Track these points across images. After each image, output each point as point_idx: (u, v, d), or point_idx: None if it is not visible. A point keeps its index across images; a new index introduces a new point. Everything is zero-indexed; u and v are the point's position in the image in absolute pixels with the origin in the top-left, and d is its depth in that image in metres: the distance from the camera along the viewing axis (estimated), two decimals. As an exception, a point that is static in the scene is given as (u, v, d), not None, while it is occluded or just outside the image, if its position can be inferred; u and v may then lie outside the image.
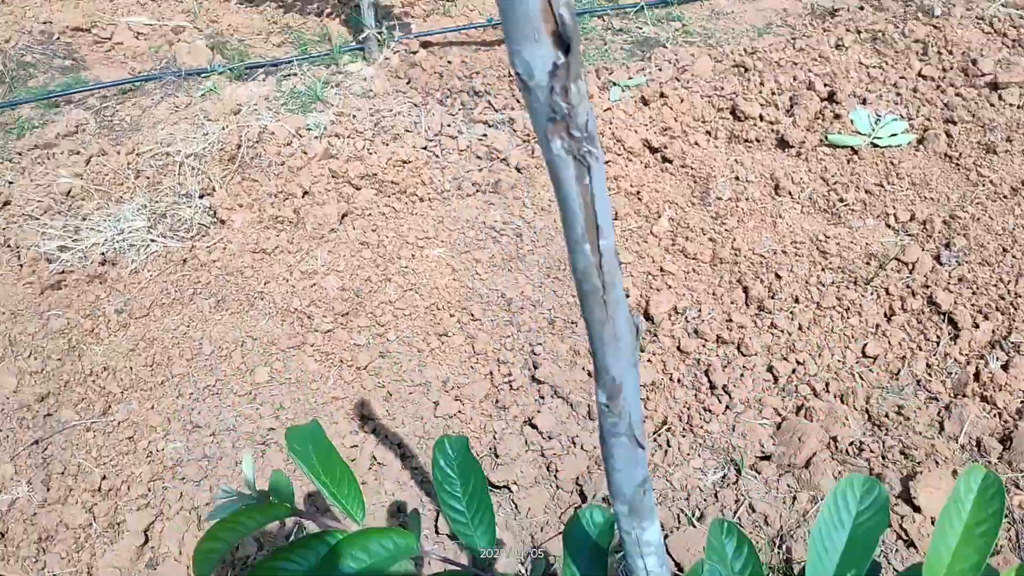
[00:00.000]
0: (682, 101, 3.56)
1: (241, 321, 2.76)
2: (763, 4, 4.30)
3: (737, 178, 3.13)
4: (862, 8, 4.09)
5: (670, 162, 3.27)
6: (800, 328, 2.54)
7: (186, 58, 4.12)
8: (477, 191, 3.23)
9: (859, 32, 3.87)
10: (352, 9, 4.45)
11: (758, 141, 3.33)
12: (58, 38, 4.31)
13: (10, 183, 3.35)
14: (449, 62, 3.92)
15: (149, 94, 3.93)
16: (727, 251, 2.83)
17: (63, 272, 2.96)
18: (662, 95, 3.61)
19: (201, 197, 3.27)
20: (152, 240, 3.05)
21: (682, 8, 4.30)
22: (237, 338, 2.70)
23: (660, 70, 3.80)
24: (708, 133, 3.41)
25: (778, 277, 2.69)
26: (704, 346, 2.52)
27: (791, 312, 2.58)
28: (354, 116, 3.66)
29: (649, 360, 2.47)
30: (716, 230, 2.93)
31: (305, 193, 3.23)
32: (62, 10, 4.49)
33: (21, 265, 2.98)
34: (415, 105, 3.73)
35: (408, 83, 3.85)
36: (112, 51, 4.27)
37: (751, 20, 4.20)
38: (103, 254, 3.01)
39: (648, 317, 2.65)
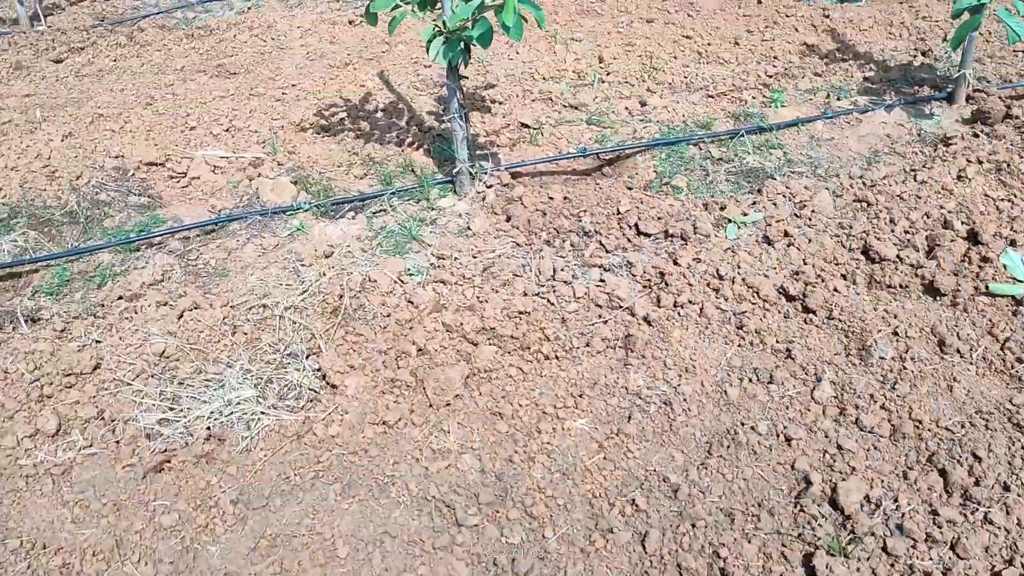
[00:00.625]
0: (810, 241, 3.28)
1: (373, 512, 2.42)
2: (864, 130, 4.05)
3: (895, 333, 2.82)
4: (976, 136, 3.84)
5: (813, 312, 2.96)
6: (1020, 524, 2.20)
7: (269, 195, 3.86)
8: (607, 347, 2.92)
9: (980, 162, 3.61)
10: (435, 139, 4.21)
11: (903, 287, 3.03)
12: (132, 174, 4.05)
13: (98, 342, 3.04)
14: (551, 198, 3.65)
15: (234, 235, 3.65)
16: (907, 423, 2.50)
17: (166, 451, 2.62)
18: (786, 234, 3.33)
19: (307, 357, 2.96)
20: (263, 412, 2.72)
21: (779, 135, 4.05)
22: (373, 535, 2.35)
23: (776, 205, 3.53)
24: (844, 277, 3.12)
25: (977, 458, 2.35)
26: (914, 548, 2.17)
27: (1004, 504, 2.24)
28: (456, 259, 3.38)
29: (857, 570, 2.12)
30: (887, 396, 2.61)
31: (420, 351, 2.92)
32: (133, 143, 4.25)
33: (118, 442, 2.65)
34: (518, 245, 3.45)
35: (508, 220, 3.57)
36: (189, 187, 4.00)
37: (855, 147, 3.95)
38: (208, 428, 2.69)
39: (837, 507, 2.31)
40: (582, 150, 3.95)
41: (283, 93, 4.74)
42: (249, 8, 5.99)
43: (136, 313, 3.16)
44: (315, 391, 2.81)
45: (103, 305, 3.23)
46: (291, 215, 3.73)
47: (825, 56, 4.74)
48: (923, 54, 4.69)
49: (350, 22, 5.64)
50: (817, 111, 4.25)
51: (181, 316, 3.12)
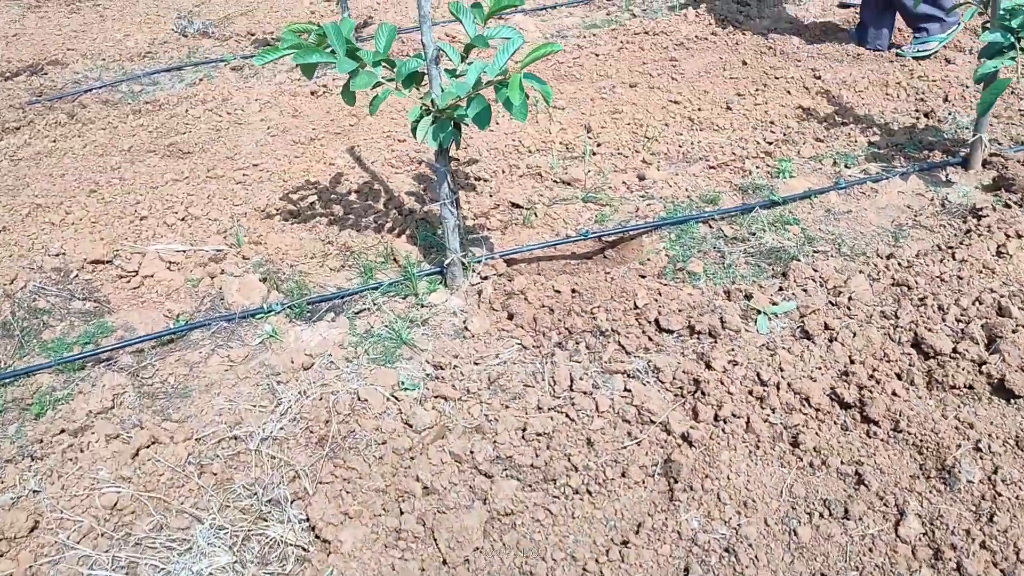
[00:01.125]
0: (854, 335, 2.88)
1: None
2: (882, 201, 3.70)
3: (977, 448, 2.41)
4: (1008, 206, 3.50)
5: (875, 424, 2.55)
6: None
7: (235, 295, 3.36)
8: (647, 475, 2.47)
9: (1020, 236, 3.27)
10: (418, 223, 3.76)
11: (969, 388, 2.63)
12: (75, 275, 3.53)
13: (36, 492, 2.50)
14: (557, 291, 3.21)
15: (195, 345, 3.14)
16: (1020, 567, 2.08)
17: (122, 642, 2.09)
18: (826, 327, 2.93)
19: (292, 503, 2.45)
20: (242, 585, 2.21)
21: (793, 209, 3.68)
22: None
23: (806, 292, 3.14)
24: (900, 377, 2.71)
25: (1117, 616, 1.93)
26: None
27: None
28: (456, 367, 2.91)
29: None
30: (986, 532, 2.19)
31: (426, 489, 2.44)
32: (76, 237, 3.73)
33: (62, 631, 2.11)
34: (525, 348, 3.00)
35: (511, 319, 3.12)
36: (142, 287, 3.49)
37: (875, 220, 3.58)
38: (175, 610, 2.16)
39: None
40: (584, 233, 3.53)
41: (244, 175, 4.27)
42: (201, 80, 5.52)
43: (82, 452, 2.63)
44: (304, 549, 2.31)
45: (42, 441, 2.70)
46: (261, 319, 3.24)
47: (824, 120, 4.41)
48: (926, 115, 4.38)
49: (312, 93, 5.20)
50: (828, 180, 3.90)
51: (136, 455, 2.60)
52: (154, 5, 7.21)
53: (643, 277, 3.28)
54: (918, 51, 4.92)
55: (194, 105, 5.13)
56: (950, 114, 4.35)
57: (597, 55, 5.49)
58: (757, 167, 4.02)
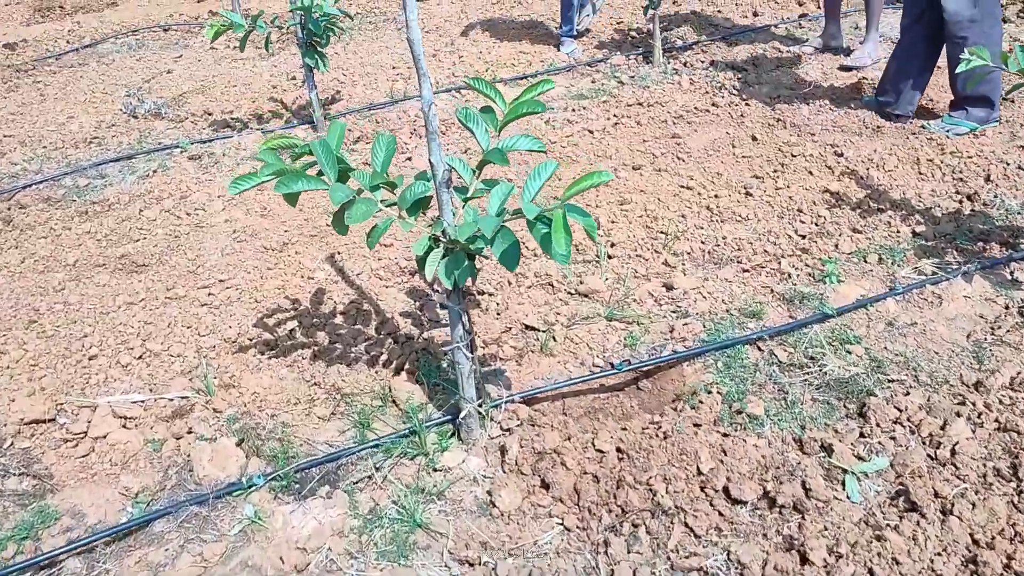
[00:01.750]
0: (974, 507, 2.35)
1: None
2: (949, 310, 3.20)
3: None
4: (1100, 316, 3.02)
5: (1029, 638, 2.00)
6: None
7: (207, 466, 2.74)
8: None
9: None
10: (418, 353, 3.18)
11: None
12: (10, 443, 2.89)
13: None
14: (600, 452, 2.64)
15: (160, 539, 2.52)
16: None
17: None
18: (936, 494, 2.39)
19: None
20: None
21: (848, 322, 3.17)
22: None
23: (895, 440, 2.61)
24: (1038, 562, 2.18)
25: None
26: None
27: None
28: (486, 562, 2.33)
29: None
30: None
31: None
32: (11, 388, 3.10)
33: None
34: (568, 530, 2.43)
35: (545, 487, 2.55)
36: (92, 455, 2.86)
37: (947, 336, 3.08)
38: None
39: None
40: (619, 366, 2.97)
41: (210, 294, 3.66)
42: (155, 171, 4.90)
43: None
44: None
45: None
46: (240, 494, 2.63)
47: (857, 206, 3.93)
48: (969, 199, 3.92)
49: (281, 186, 4.60)
50: (882, 284, 3.40)
51: None
52: (100, 80, 6.59)
53: (698, 427, 2.72)
54: (949, 130, 4.48)
55: (149, 204, 4.50)
56: (996, 196, 3.89)
57: (591, 132, 4.99)
58: (796, 268, 3.51)
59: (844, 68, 5.61)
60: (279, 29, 5.12)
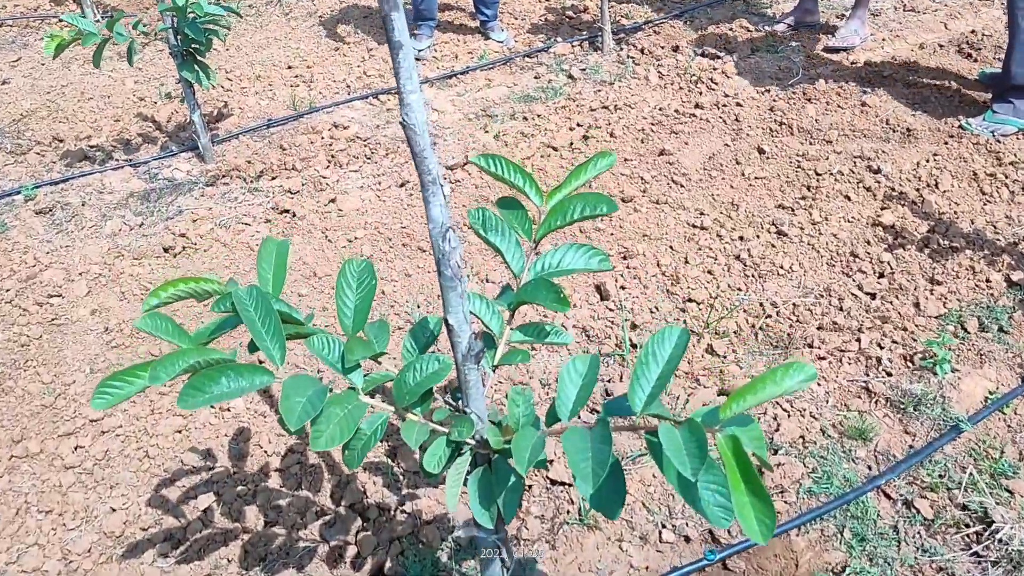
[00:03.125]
0: None
1: None
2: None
3: None
4: None
5: None
6: None
7: None
8: None
9: None
10: (403, 541, 2.13)
11: None
12: None
13: None
14: None
15: None
16: None
17: None
18: None
19: None
20: None
21: (984, 433, 2.29)
22: None
23: None
24: None
25: None
26: None
27: None
28: None
29: None
30: None
31: None
32: None
33: None
34: None
35: None
36: None
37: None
38: None
39: None
40: (710, 555, 2.01)
41: (78, 446, 2.51)
42: (-10, 232, 3.64)
43: None
44: None
45: None
46: None
47: (923, 245, 3.07)
48: (1055, 227, 3.10)
49: (167, 250, 3.43)
50: (1008, 370, 2.53)
51: None
52: (-86, 100, 5.13)
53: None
54: (995, 130, 3.64)
55: (-18, 292, 3.26)
56: (1090, 224, 3.07)
57: (554, 148, 3.97)
58: (883, 349, 2.62)
59: (830, 50, 4.75)
60: (145, 36, 3.86)
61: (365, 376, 1.49)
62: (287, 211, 3.64)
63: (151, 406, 2.64)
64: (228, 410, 2.59)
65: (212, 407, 2.61)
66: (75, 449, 2.51)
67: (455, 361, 1.46)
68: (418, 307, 3.01)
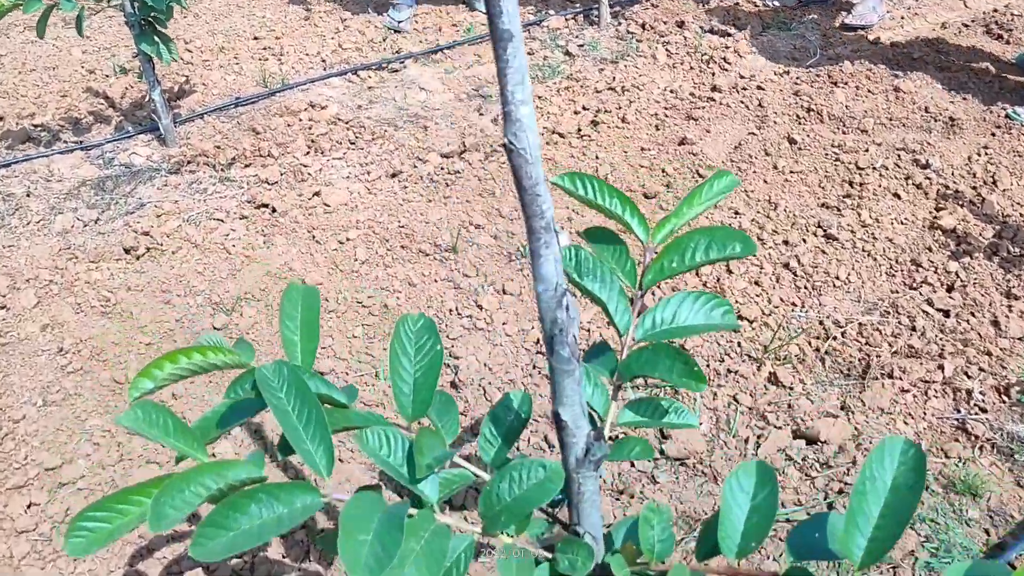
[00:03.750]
0: None
1: None
2: None
3: None
4: None
5: None
6: None
7: None
8: None
9: None
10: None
11: None
12: None
13: None
14: None
15: None
16: None
17: None
18: None
19: None
20: None
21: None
22: None
23: None
24: None
25: None
26: None
27: None
28: None
29: None
30: None
31: None
32: None
33: None
34: None
35: None
36: None
37: None
38: None
39: None
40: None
41: (31, 504, 2.08)
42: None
43: None
44: None
45: None
46: None
47: (992, 252, 2.76)
48: None
49: (127, 250, 2.97)
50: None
51: None
52: None
53: None
54: (1050, 117, 3.34)
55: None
56: None
57: (561, 135, 3.57)
58: (971, 378, 2.30)
59: (846, 27, 4.40)
60: (96, 1, 3.35)
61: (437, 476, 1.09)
62: (265, 206, 3.19)
63: (120, 449, 2.21)
64: (214, 456, 2.17)
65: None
66: (28, 508, 2.07)
67: (565, 466, 1.06)
68: (428, 324, 2.60)
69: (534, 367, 2.42)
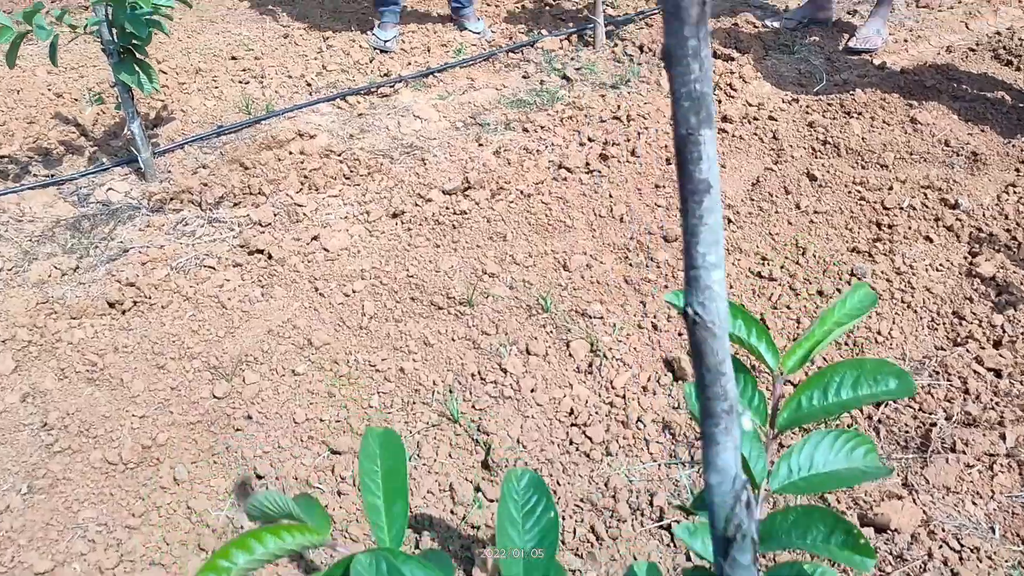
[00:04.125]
0: None
1: None
2: None
3: None
4: None
5: None
6: None
7: None
8: None
9: None
10: None
11: None
12: None
13: None
14: None
15: None
16: None
17: None
18: None
19: None
20: None
21: None
22: None
23: None
24: None
25: None
26: None
27: None
28: None
29: None
30: None
31: None
32: None
33: None
34: None
35: None
36: None
37: None
38: None
39: None
40: None
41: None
42: None
43: None
44: None
45: None
46: None
47: (1032, 303, 2.61)
48: None
49: (112, 304, 2.72)
50: None
51: None
52: None
53: None
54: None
55: None
56: None
57: (568, 170, 3.38)
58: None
59: (851, 51, 4.29)
60: (72, 29, 3.09)
61: None
62: (260, 251, 2.97)
63: (119, 548, 1.98)
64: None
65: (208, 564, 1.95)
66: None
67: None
68: (451, 391, 2.40)
69: (570, 442, 2.24)
